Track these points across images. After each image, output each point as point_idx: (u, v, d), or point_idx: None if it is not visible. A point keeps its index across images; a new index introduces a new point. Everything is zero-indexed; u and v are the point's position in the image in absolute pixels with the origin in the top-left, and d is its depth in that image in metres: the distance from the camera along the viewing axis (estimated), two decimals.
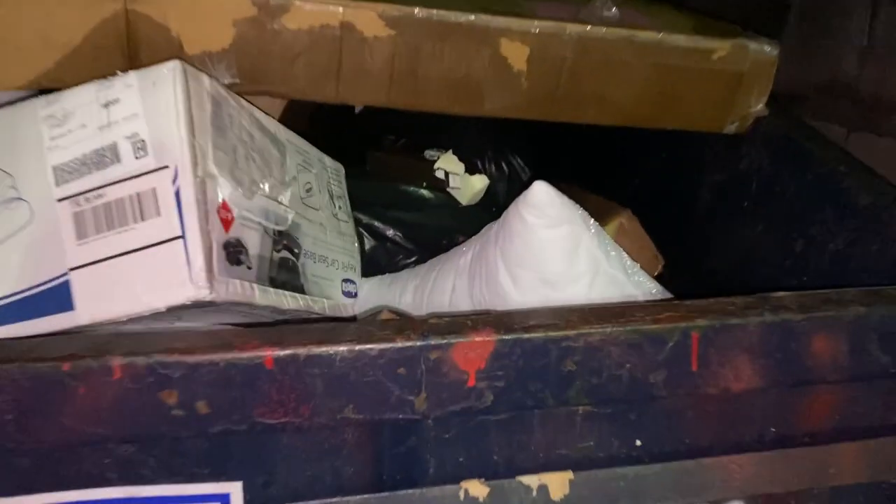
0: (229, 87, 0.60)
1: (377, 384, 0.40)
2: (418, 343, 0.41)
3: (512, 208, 0.56)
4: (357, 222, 0.80)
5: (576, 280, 0.53)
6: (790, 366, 0.45)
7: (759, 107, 0.72)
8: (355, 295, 0.72)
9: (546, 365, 0.41)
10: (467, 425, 0.44)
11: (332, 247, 0.68)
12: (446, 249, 0.84)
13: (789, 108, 0.76)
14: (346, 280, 0.70)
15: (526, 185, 1.11)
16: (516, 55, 0.63)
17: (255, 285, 0.52)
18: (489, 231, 0.60)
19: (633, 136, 0.75)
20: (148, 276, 0.47)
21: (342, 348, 0.39)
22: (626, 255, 0.56)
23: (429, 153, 0.87)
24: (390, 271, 0.80)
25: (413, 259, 0.82)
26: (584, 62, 0.66)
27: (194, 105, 0.49)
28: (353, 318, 0.71)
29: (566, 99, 0.68)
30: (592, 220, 0.56)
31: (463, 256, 0.62)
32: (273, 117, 0.63)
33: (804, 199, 0.66)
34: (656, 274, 0.80)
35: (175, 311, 0.47)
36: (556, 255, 0.53)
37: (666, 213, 0.89)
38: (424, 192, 0.85)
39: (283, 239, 0.58)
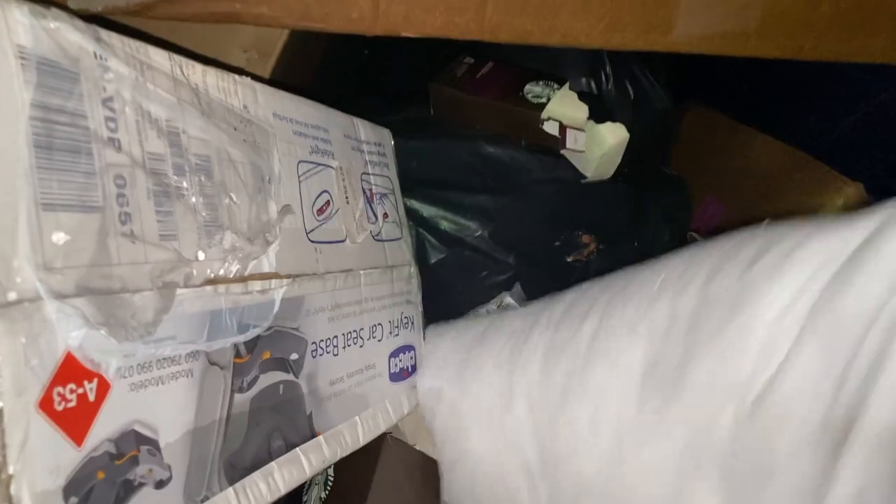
0: (141, 10, 0.28)
1: None
2: None
3: None
4: (412, 217, 0.48)
5: None
6: None
7: None
8: (413, 370, 0.41)
9: None
10: None
11: (370, 305, 0.36)
12: (559, 257, 0.52)
13: None
14: (396, 352, 0.39)
15: (664, 116, 0.76)
16: None
17: None
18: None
19: None
20: None
21: None
22: None
23: (531, 89, 0.52)
24: (472, 299, 0.49)
25: (508, 275, 0.50)
26: None
27: None
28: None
29: (835, 20, 0.34)
30: None
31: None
32: (247, 71, 0.30)
33: None
34: None
35: None
36: None
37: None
38: (524, 156, 0.52)
39: (262, 349, 0.27)
